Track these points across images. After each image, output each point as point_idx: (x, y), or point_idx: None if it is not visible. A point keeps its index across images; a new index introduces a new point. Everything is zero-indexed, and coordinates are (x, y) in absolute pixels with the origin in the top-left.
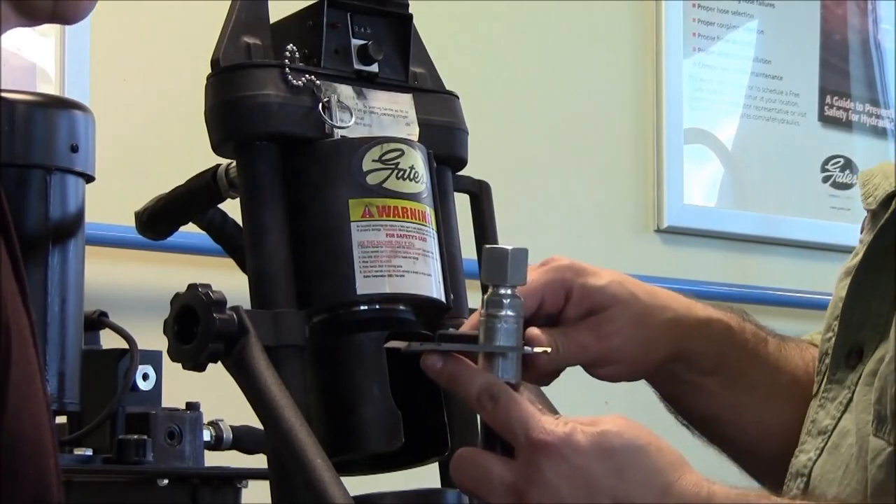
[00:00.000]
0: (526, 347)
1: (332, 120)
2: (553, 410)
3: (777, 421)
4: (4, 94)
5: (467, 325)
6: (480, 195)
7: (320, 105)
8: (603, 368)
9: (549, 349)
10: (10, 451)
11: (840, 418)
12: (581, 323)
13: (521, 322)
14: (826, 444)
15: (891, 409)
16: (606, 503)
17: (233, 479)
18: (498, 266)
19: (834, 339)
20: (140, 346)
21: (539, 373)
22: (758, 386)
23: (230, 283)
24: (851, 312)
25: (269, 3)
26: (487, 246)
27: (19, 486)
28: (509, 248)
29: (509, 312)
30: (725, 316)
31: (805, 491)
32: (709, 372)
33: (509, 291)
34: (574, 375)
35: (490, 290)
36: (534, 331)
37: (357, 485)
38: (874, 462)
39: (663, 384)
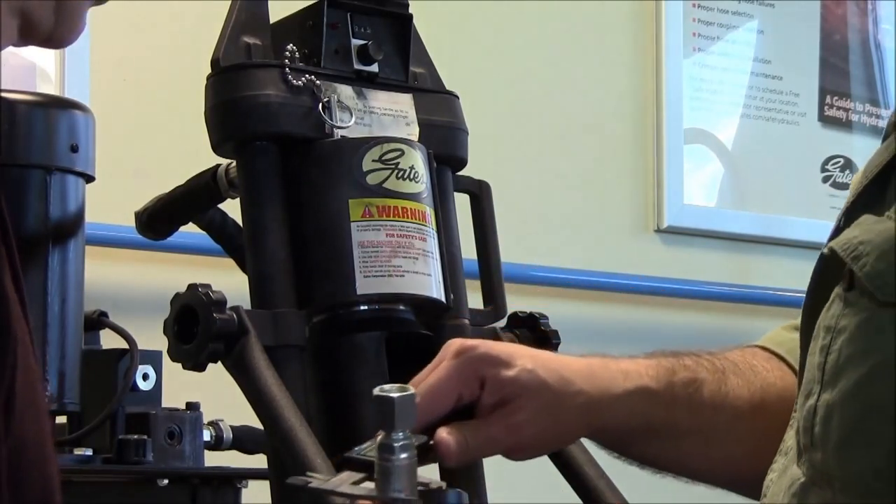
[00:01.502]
0: (420, 486)
1: (332, 120)
2: None
3: (721, 456)
4: (4, 94)
5: (428, 373)
6: (480, 195)
7: (320, 105)
8: (516, 455)
9: (443, 484)
10: (17, 456)
11: None
12: (492, 415)
13: (414, 459)
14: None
15: (802, 441)
16: None
17: (233, 479)
18: (386, 414)
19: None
20: (140, 346)
21: (453, 466)
22: (692, 434)
23: (230, 283)
24: (807, 338)
25: (269, 3)
26: (376, 393)
27: (27, 494)
28: (395, 395)
29: (402, 455)
30: (648, 380)
31: None
32: (630, 440)
33: (401, 435)
34: None
35: (381, 436)
36: (441, 434)
37: None
38: (790, 490)
39: (607, 450)
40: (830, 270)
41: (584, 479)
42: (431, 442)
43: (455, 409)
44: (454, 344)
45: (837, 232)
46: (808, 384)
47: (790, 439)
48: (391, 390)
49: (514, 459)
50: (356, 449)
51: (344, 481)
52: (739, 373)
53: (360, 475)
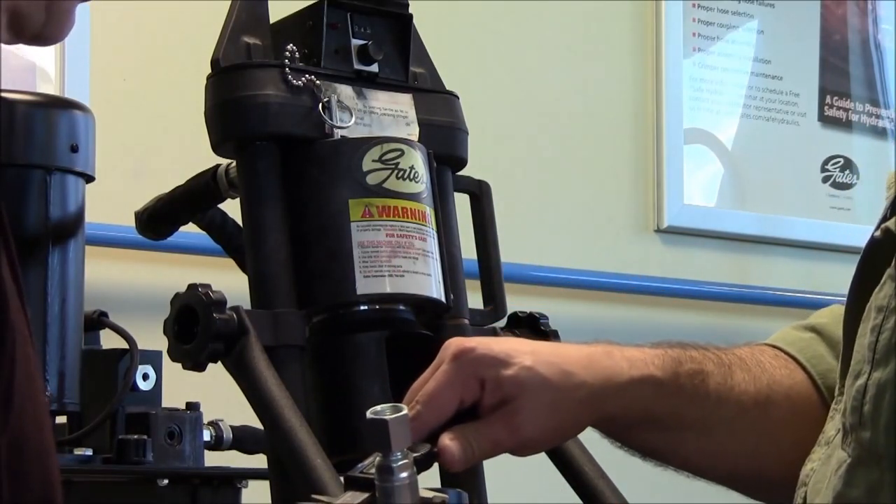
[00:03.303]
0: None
1: (332, 120)
2: None
3: (722, 451)
4: (4, 94)
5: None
6: (480, 195)
7: (320, 105)
8: (521, 452)
9: (446, 497)
10: (17, 451)
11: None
12: (494, 415)
13: (415, 477)
14: (826, 454)
15: (850, 421)
16: None
17: (233, 479)
18: (381, 437)
19: (842, 350)
20: (140, 346)
21: (458, 470)
22: (695, 426)
23: (230, 283)
24: (853, 324)
25: (269, 3)
26: (368, 416)
27: (27, 487)
28: (388, 417)
29: (401, 475)
30: (654, 369)
31: (805, 500)
32: (633, 430)
33: (398, 455)
34: None
35: (378, 459)
36: (445, 441)
37: None
38: (836, 473)
39: (611, 439)
40: (882, 253)
41: (584, 479)
42: (435, 449)
43: (457, 412)
44: (452, 345)
45: (884, 221)
46: (857, 364)
47: (832, 430)
48: (384, 412)
49: (520, 456)
50: (358, 467)
51: (348, 502)
52: (746, 368)
53: (364, 495)
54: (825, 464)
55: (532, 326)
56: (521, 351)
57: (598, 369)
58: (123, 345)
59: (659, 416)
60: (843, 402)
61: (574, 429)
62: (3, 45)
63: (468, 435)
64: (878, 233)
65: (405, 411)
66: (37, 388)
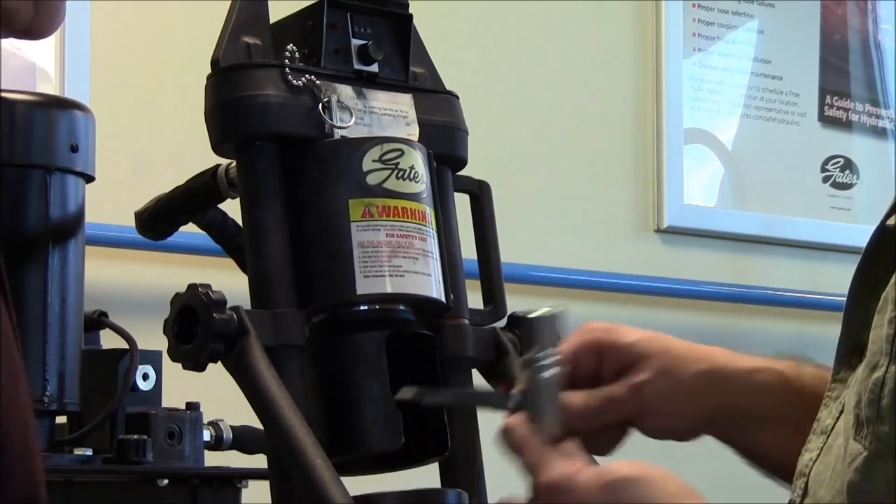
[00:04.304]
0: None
1: (332, 120)
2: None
3: None
4: (4, 94)
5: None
6: (480, 195)
7: (320, 105)
8: (646, 422)
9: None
10: (0, 452)
11: (839, 418)
12: (616, 381)
13: (561, 378)
14: (825, 444)
15: (866, 413)
16: None
17: (233, 479)
18: (536, 331)
19: (839, 337)
20: (140, 346)
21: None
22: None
23: (230, 283)
24: (854, 311)
25: (269, 3)
26: (529, 317)
27: (9, 488)
28: (543, 313)
29: (549, 373)
30: (776, 363)
31: (805, 490)
32: (766, 421)
33: (546, 352)
34: None
35: (528, 353)
36: (566, 394)
37: (357, 485)
38: (851, 466)
39: (728, 440)
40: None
41: None
42: None
43: (574, 381)
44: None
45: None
46: (873, 356)
47: (827, 418)
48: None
49: (646, 432)
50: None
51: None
52: None
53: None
54: (826, 454)
55: None
56: (642, 331)
57: (722, 353)
58: (123, 345)
59: (786, 415)
60: (857, 393)
61: (694, 405)
62: (3, 46)
63: (589, 395)
64: (891, 221)
65: (558, 311)
66: (22, 390)
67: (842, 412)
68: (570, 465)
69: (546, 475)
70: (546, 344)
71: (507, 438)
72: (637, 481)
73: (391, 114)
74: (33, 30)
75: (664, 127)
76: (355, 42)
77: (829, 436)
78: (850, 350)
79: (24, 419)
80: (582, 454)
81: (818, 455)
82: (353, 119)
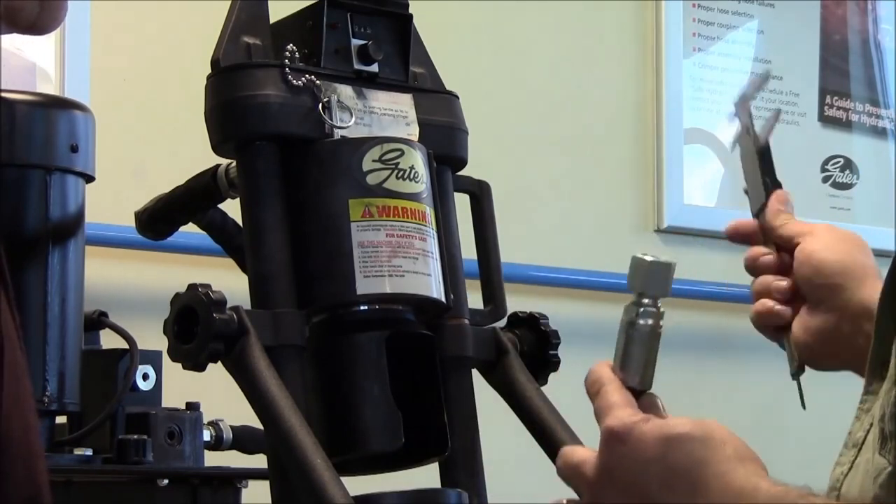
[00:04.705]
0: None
1: (332, 120)
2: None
3: None
4: (4, 94)
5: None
6: (480, 195)
7: (320, 105)
8: (815, 290)
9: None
10: (2, 453)
11: (869, 430)
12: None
13: (657, 333)
14: (856, 457)
15: (889, 429)
16: (653, 489)
17: (233, 479)
18: (648, 277)
19: (871, 349)
20: (140, 346)
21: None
22: None
23: (230, 283)
24: (884, 322)
25: (269, 3)
26: (647, 259)
27: (11, 489)
28: (661, 259)
29: (646, 321)
30: None
31: None
32: None
33: (650, 301)
34: (573, 377)
35: (636, 296)
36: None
37: (357, 485)
38: (876, 481)
39: None
40: None
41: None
42: None
43: None
44: None
45: None
46: (895, 371)
47: (859, 431)
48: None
49: (814, 303)
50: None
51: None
52: None
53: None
54: (856, 468)
55: (532, 326)
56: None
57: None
58: (123, 345)
59: None
60: (881, 407)
61: (857, 280)
62: (2, 45)
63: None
64: None
65: (669, 261)
66: (24, 391)
67: (871, 425)
68: (634, 414)
69: (609, 421)
70: (654, 293)
71: (589, 379)
72: (696, 440)
73: (391, 114)
74: (37, 26)
75: (664, 127)
76: (355, 42)
77: (859, 449)
78: (881, 362)
79: (27, 420)
80: (658, 411)
81: (849, 469)
82: (353, 119)
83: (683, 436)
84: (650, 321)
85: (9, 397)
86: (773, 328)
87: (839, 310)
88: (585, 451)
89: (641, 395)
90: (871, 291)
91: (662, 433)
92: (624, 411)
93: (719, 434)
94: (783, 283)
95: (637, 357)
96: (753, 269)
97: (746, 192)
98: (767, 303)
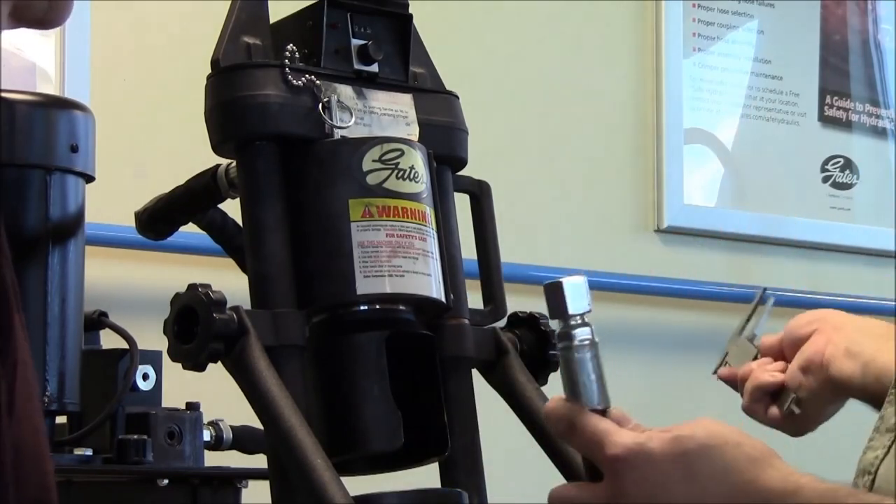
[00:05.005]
0: None
1: (332, 120)
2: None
3: None
4: (4, 94)
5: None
6: (480, 195)
7: (320, 105)
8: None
9: None
10: (14, 454)
11: None
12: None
13: (595, 348)
14: (893, 442)
15: None
16: None
17: (233, 479)
18: (556, 299)
19: None
20: (140, 346)
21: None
22: None
23: (230, 283)
24: None
25: (269, 3)
26: (546, 283)
27: (24, 490)
28: (563, 279)
29: (584, 339)
30: None
31: (871, 489)
32: None
33: (576, 322)
34: None
35: (559, 325)
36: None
37: (357, 485)
38: None
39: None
40: None
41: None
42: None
43: None
44: None
45: None
46: None
47: (892, 416)
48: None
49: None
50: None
51: None
52: None
53: None
54: (892, 453)
55: (532, 326)
56: None
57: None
58: (123, 345)
59: None
60: None
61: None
62: (3, 45)
63: None
64: None
65: (583, 277)
66: (33, 392)
67: None
68: (634, 434)
69: (611, 450)
70: (581, 310)
71: (553, 420)
72: (715, 448)
73: (391, 114)
74: (46, 21)
75: (664, 127)
76: (355, 42)
77: (895, 434)
78: None
79: (36, 423)
80: (631, 422)
81: (885, 453)
82: (353, 119)
83: (699, 449)
84: (588, 338)
85: (21, 398)
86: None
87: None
88: (573, 485)
89: (606, 412)
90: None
91: (675, 450)
92: (619, 436)
93: (730, 436)
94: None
95: (591, 378)
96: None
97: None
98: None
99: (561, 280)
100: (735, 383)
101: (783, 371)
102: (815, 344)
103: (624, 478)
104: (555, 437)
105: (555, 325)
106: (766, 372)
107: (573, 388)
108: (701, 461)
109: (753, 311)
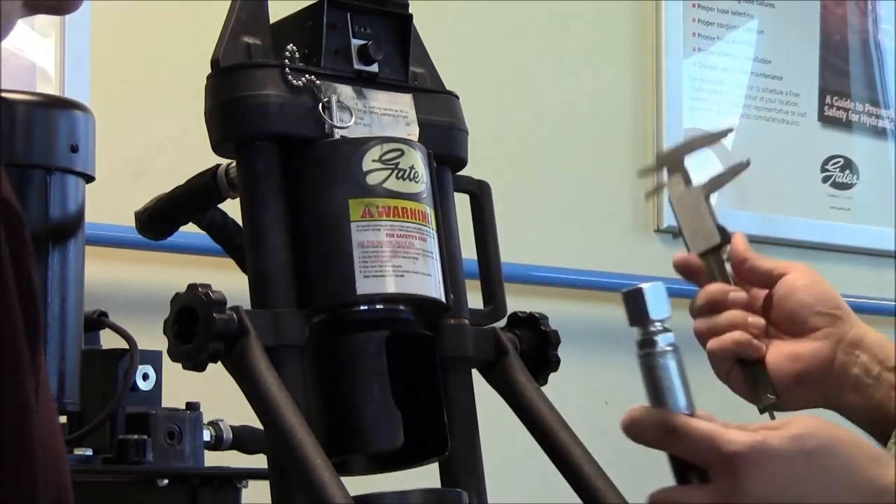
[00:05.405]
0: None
1: (332, 120)
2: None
3: None
4: (4, 94)
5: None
6: (480, 195)
7: (320, 105)
8: (788, 301)
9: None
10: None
11: None
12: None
13: (678, 353)
14: None
15: None
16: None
17: (233, 479)
18: (637, 306)
19: None
20: (140, 346)
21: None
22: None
23: (230, 283)
24: None
25: (269, 3)
26: (625, 290)
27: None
28: (642, 286)
29: (660, 348)
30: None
31: None
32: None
33: (658, 328)
34: (573, 376)
35: (639, 332)
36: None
37: (357, 485)
38: None
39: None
40: None
41: (584, 478)
42: None
43: None
44: None
45: None
46: None
47: None
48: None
49: (806, 332)
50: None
51: None
52: None
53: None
54: None
55: (532, 326)
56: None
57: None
58: (123, 345)
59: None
60: None
61: (828, 303)
62: (2, 45)
63: None
64: None
65: (661, 283)
66: (49, 394)
67: None
68: (749, 433)
69: (731, 446)
70: (661, 316)
71: (647, 429)
72: (836, 446)
73: (391, 114)
74: (60, 7)
75: (664, 127)
76: (355, 42)
77: None
78: None
79: (54, 424)
80: (721, 423)
81: None
82: (353, 119)
83: (822, 447)
84: (672, 343)
85: (41, 399)
86: (742, 362)
87: (836, 339)
88: (678, 489)
89: (693, 416)
90: (862, 325)
91: (798, 448)
92: (734, 435)
93: (846, 435)
94: (760, 319)
95: (677, 384)
96: (717, 304)
97: (680, 233)
98: (744, 335)
99: (641, 286)
100: (688, 274)
101: (762, 330)
102: (821, 351)
103: (745, 476)
104: (646, 446)
105: (635, 332)
106: (743, 333)
107: (658, 394)
108: (825, 459)
109: (730, 174)
